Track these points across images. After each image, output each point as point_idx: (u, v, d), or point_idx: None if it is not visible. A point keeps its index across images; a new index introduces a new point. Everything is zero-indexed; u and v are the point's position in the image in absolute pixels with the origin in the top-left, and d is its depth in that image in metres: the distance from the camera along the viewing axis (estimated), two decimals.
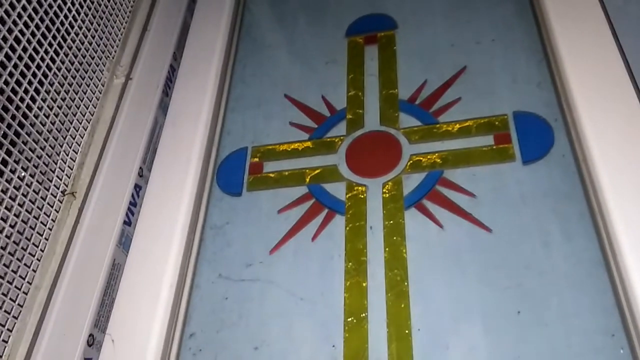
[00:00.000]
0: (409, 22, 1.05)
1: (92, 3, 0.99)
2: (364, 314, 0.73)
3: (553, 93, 0.88)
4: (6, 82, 0.76)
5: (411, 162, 0.86)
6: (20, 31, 0.79)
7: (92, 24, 0.98)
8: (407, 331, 0.70)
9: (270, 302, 0.78)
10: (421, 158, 0.86)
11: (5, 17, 0.76)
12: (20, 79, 0.79)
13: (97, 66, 1.00)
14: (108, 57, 1.04)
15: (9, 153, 0.76)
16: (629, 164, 0.72)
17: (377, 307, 0.73)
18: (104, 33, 1.02)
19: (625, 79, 0.80)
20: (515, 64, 0.93)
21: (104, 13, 1.03)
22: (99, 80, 1.01)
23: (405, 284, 0.74)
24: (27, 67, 0.80)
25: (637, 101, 0.77)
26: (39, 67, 0.83)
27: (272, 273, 0.81)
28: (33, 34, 0.82)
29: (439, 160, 0.85)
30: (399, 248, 0.77)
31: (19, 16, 0.79)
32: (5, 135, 0.75)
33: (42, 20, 0.84)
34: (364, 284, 0.76)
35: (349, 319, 0.73)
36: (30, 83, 0.81)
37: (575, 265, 0.71)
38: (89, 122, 0.97)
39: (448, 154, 0.85)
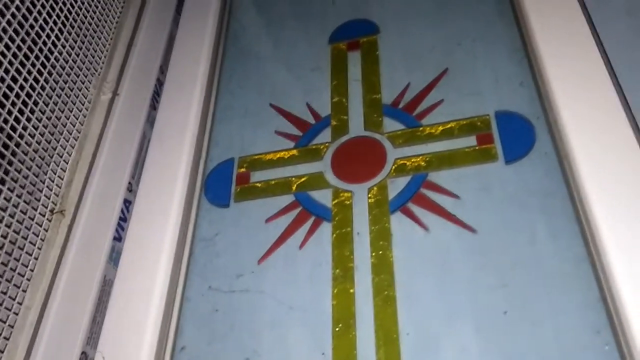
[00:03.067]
0: (390, 26, 1.05)
1: (76, 21, 1.00)
2: (351, 321, 0.73)
3: (535, 91, 0.88)
4: None
5: (395, 166, 0.86)
6: (1, 52, 0.80)
7: (76, 41, 0.99)
8: (395, 336, 0.70)
9: (261, 312, 0.78)
10: (405, 162, 0.86)
11: None
12: (3, 100, 0.79)
13: (83, 83, 1.01)
14: (94, 73, 1.05)
15: None
16: (610, 160, 0.72)
17: (364, 313, 0.73)
18: (88, 50, 1.03)
19: (605, 75, 0.80)
20: (496, 63, 0.93)
21: (88, 30, 1.04)
22: (85, 97, 1.01)
23: (392, 288, 0.74)
24: (10, 88, 0.81)
25: (617, 97, 0.77)
26: (22, 87, 0.84)
27: (261, 283, 0.81)
28: (15, 55, 0.82)
29: (423, 163, 0.85)
30: (385, 253, 0.78)
31: (0, 38, 0.79)
32: None
33: (23, 41, 0.85)
34: (351, 291, 0.76)
35: (337, 327, 0.73)
36: (13, 104, 0.81)
37: (561, 263, 0.71)
38: (76, 140, 0.97)
39: (432, 157, 0.85)
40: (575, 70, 0.82)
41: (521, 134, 0.83)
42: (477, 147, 0.84)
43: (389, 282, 0.75)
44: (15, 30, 0.83)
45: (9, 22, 0.81)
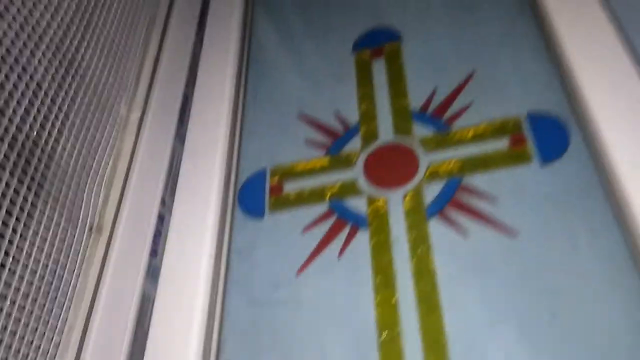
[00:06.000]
0: (413, 31, 1.06)
1: (106, 44, 1.02)
2: (397, 329, 0.73)
3: (564, 90, 0.88)
4: (31, 127, 0.78)
5: (429, 171, 0.86)
6: (42, 76, 0.81)
7: (107, 63, 1.01)
8: (442, 343, 0.70)
9: (302, 323, 0.79)
10: (438, 166, 0.86)
11: (26, 64, 0.78)
12: (44, 122, 0.81)
13: (115, 103, 1.03)
14: (124, 92, 1.07)
15: (37, 195, 0.78)
16: None
17: (409, 320, 0.73)
18: (118, 71, 1.05)
19: (633, 71, 0.80)
20: (523, 63, 0.93)
21: (117, 51, 1.06)
22: (118, 116, 1.03)
23: (436, 295, 0.74)
24: (50, 110, 0.83)
25: None
26: (60, 109, 0.85)
27: (301, 294, 0.81)
28: (53, 78, 0.84)
29: (456, 167, 0.85)
30: (425, 259, 0.78)
31: (39, 62, 0.81)
32: (33, 178, 0.77)
33: (60, 64, 0.87)
34: (394, 298, 0.76)
35: (383, 335, 0.73)
36: (53, 126, 0.83)
37: (606, 263, 0.71)
38: (110, 158, 0.99)
39: (465, 160, 0.85)
40: (603, 67, 0.82)
41: (555, 135, 0.82)
42: (510, 149, 0.84)
43: (432, 289, 0.75)
44: (53, 54, 0.85)
45: (48, 47, 0.83)
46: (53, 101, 0.83)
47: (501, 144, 0.85)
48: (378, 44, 1.07)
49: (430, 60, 1.01)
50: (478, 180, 0.83)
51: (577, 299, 0.69)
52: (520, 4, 1.01)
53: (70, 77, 0.88)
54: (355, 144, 0.94)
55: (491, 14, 1.03)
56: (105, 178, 0.97)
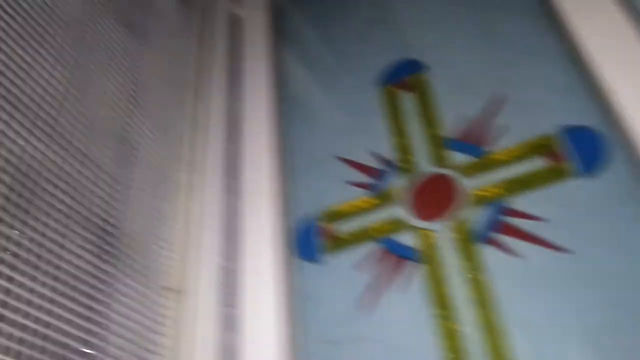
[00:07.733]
0: (437, 60, 1.09)
1: (153, 119, 1.11)
2: (464, 358, 0.76)
3: (596, 100, 0.89)
4: (102, 208, 0.87)
5: (471, 197, 0.89)
6: (102, 160, 0.90)
7: (157, 136, 1.10)
8: None
9: (372, 358, 0.83)
10: (480, 192, 0.89)
11: (87, 152, 0.87)
12: (112, 200, 0.90)
13: (171, 171, 1.12)
14: (179, 160, 1.16)
15: (116, 267, 0.87)
16: None
17: (476, 348, 0.76)
18: (170, 141, 1.14)
19: None
20: (552, 78, 0.94)
21: (165, 123, 1.15)
22: (177, 182, 1.12)
23: (499, 319, 0.77)
24: (115, 189, 0.92)
25: None
26: (124, 186, 0.94)
27: (365, 330, 0.85)
28: (113, 161, 0.93)
29: (498, 191, 0.87)
30: (481, 285, 0.81)
31: (99, 148, 0.90)
32: (110, 254, 0.86)
33: (119, 147, 0.96)
34: (456, 328, 0.79)
35: None
36: (121, 202, 0.92)
37: None
38: (176, 222, 1.07)
39: (505, 183, 0.87)
40: (632, 73, 0.83)
41: (593, 146, 0.84)
42: (549, 166, 0.85)
43: (494, 315, 0.77)
44: (106, 134, 0.94)
45: (103, 131, 0.93)
46: (116, 180, 0.93)
47: (539, 162, 0.87)
48: (403, 76, 1.11)
49: (457, 86, 1.03)
50: (523, 201, 0.85)
51: None
52: (544, 20, 1.02)
53: (126, 157, 0.98)
54: (395, 179, 0.98)
55: (512, 32, 1.04)
56: (174, 241, 1.05)
